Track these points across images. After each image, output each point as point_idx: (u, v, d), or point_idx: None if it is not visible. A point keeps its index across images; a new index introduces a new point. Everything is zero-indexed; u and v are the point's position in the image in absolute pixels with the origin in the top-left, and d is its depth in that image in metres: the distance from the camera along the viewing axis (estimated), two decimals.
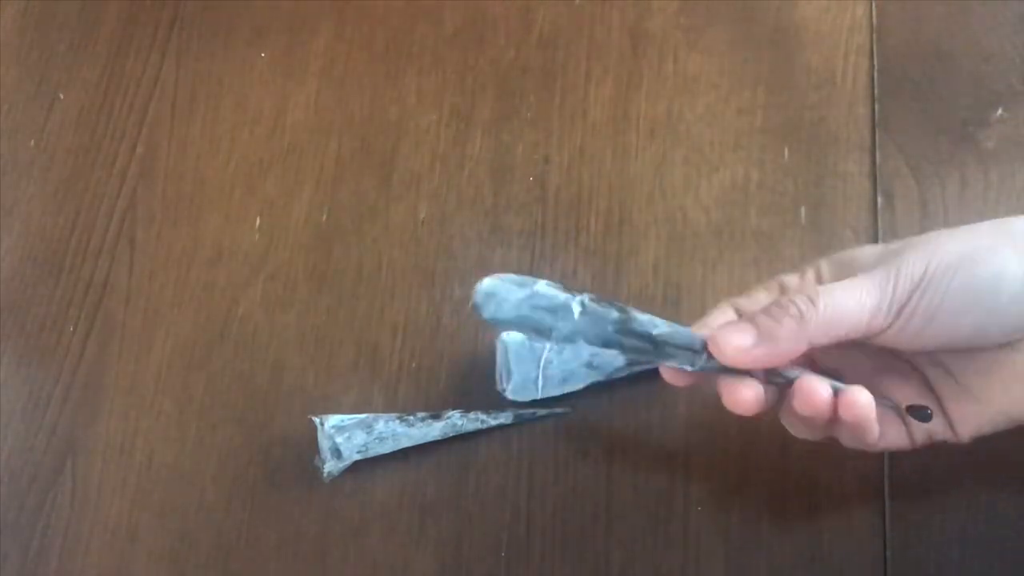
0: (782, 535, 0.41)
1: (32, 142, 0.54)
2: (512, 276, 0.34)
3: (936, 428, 0.35)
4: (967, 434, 0.35)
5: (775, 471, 0.42)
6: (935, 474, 0.41)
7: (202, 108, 0.54)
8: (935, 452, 0.39)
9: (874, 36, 0.49)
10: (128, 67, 0.56)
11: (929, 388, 0.36)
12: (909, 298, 0.32)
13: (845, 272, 0.35)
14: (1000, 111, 0.47)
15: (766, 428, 0.43)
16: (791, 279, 0.37)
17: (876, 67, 0.49)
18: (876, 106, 0.48)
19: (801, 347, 0.33)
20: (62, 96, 0.55)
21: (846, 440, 0.36)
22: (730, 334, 0.34)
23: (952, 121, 0.47)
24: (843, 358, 0.37)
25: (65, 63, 0.56)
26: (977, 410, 0.35)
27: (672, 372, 0.36)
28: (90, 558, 0.45)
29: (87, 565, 0.45)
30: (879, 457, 0.41)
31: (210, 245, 0.51)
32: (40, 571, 0.46)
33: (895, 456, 0.41)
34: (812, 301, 0.33)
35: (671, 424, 0.44)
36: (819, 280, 0.36)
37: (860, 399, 0.33)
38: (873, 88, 0.48)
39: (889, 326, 0.33)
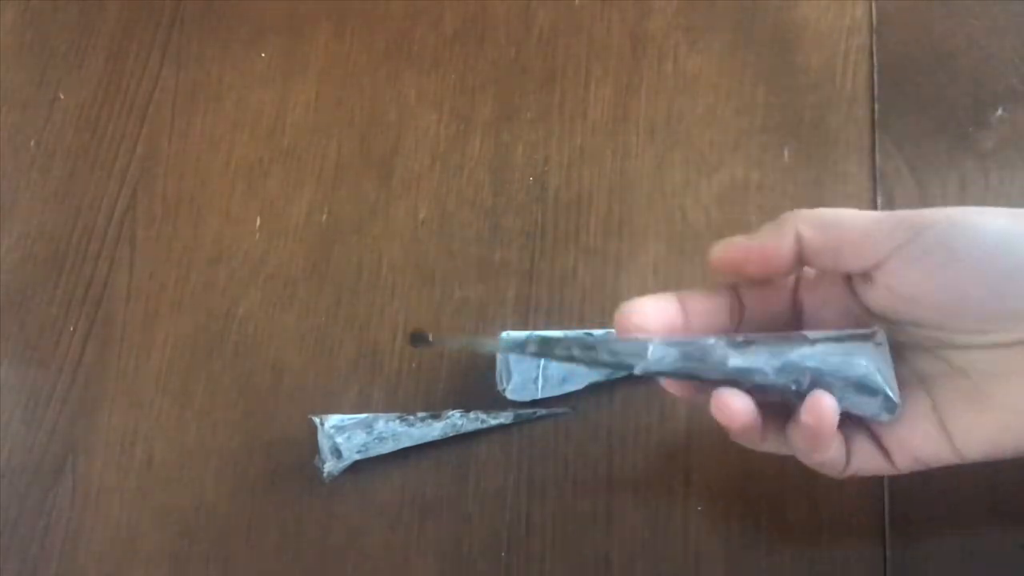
0: (782, 535, 0.41)
1: (32, 142, 0.54)
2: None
3: (932, 447, 0.34)
4: (972, 451, 0.33)
5: (775, 471, 0.42)
6: (935, 474, 0.41)
7: (202, 108, 0.54)
8: None
9: (874, 36, 0.49)
10: (128, 67, 0.56)
11: (928, 395, 0.34)
12: (923, 232, 0.31)
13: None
14: (1000, 111, 0.47)
15: None
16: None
17: (876, 67, 0.49)
18: (876, 106, 0.48)
19: (787, 242, 0.33)
20: (62, 96, 0.55)
21: (802, 455, 0.34)
22: (727, 245, 0.34)
23: (952, 121, 0.47)
24: None
25: (65, 63, 0.56)
26: (986, 419, 0.33)
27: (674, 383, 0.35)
28: (90, 558, 0.46)
29: (87, 565, 0.45)
30: None
31: (210, 245, 0.51)
32: (40, 571, 0.46)
33: None
34: (810, 211, 0.33)
35: (671, 424, 0.44)
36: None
37: (824, 402, 0.32)
38: (873, 88, 0.48)
39: (897, 250, 0.31)
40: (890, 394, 0.33)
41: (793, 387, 0.33)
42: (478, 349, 0.35)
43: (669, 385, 0.35)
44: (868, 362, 0.33)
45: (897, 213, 0.32)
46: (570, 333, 0.44)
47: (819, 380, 0.33)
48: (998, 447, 0.33)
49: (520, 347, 0.34)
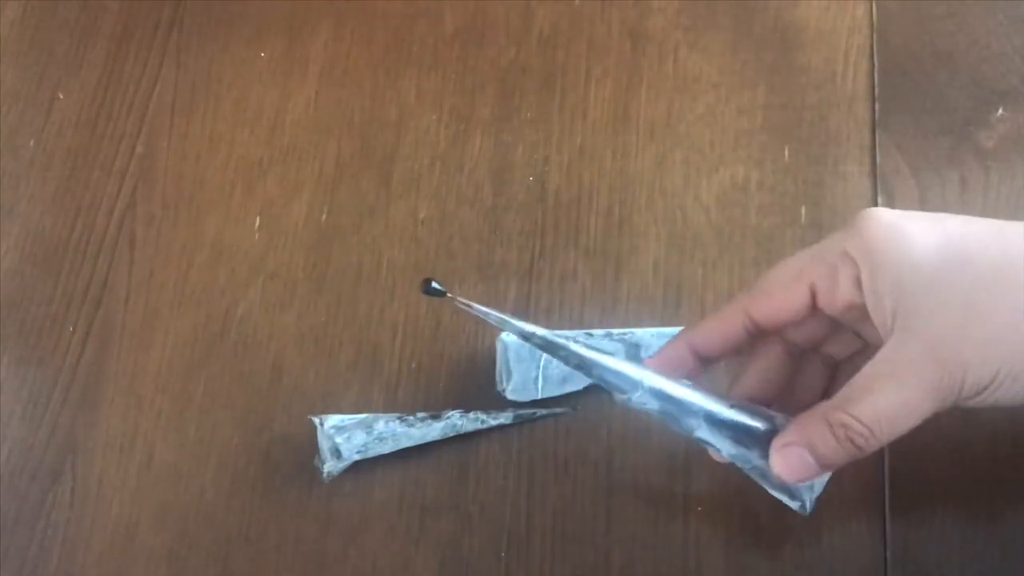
0: (782, 535, 0.41)
1: (32, 142, 0.54)
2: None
3: None
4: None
5: None
6: (935, 475, 0.41)
7: (202, 108, 0.54)
8: (935, 452, 0.39)
9: (874, 36, 0.49)
10: (128, 67, 0.56)
11: None
12: (975, 396, 0.31)
13: (884, 295, 0.32)
14: (1000, 111, 0.47)
15: None
16: (820, 276, 0.34)
17: (876, 67, 0.49)
18: (876, 106, 0.48)
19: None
20: (62, 96, 0.55)
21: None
22: (791, 462, 0.33)
23: (952, 121, 0.47)
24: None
25: (65, 63, 0.56)
26: None
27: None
28: (90, 558, 0.45)
29: (87, 565, 0.45)
30: (879, 458, 0.41)
31: (210, 245, 0.51)
32: (40, 571, 0.46)
33: (895, 457, 0.41)
34: (872, 432, 0.31)
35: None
36: (856, 284, 0.33)
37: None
38: (873, 88, 0.48)
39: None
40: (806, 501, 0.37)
41: (745, 465, 0.36)
42: (487, 320, 0.35)
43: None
44: None
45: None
46: (570, 333, 0.44)
47: (766, 471, 0.36)
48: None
49: (526, 337, 0.36)
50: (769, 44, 0.50)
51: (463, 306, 0.35)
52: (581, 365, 0.36)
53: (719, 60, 0.50)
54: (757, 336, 0.36)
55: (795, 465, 0.33)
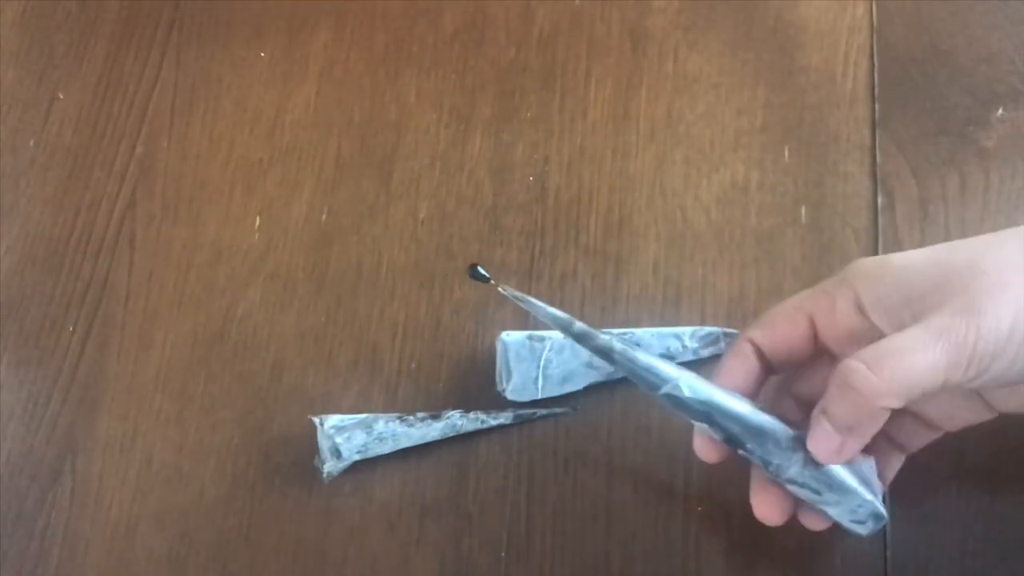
0: (782, 535, 0.41)
1: (32, 142, 0.54)
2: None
3: (976, 415, 0.36)
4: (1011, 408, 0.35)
5: None
6: (935, 474, 0.41)
7: (202, 108, 0.54)
8: (935, 453, 0.39)
9: (874, 36, 0.49)
10: (128, 67, 0.56)
11: None
12: (996, 357, 0.30)
13: (888, 297, 0.33)
14: (1000, 111, 0.47)
15: None
16: (818, 306, 0.35)
17: (876, 67, 0.49)
18: (876, 106, 0.48)
19: (882, 420, 0.32)
20: (62, 96, 0.55)
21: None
22: (821, 443, 0.33)
23: (952, 121, 0.47)
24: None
25: (65, 63, 0.56)
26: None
27: (704, 444, 0.37)
28: (90, 558, 0.45)
29: (87, 565, 0.45)
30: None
31: (210, 245, 0.51)
32: (40, 571, 0.46)
33: None
34: (869, 366, 0.31)
35: (671, 424, 0.44)
36: (860, 310, 0.34)
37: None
38: (873, 88, 0.48)
39: (974, 379, 0.31)
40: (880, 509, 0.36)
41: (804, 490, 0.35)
42: (527, 308, 0.37)
43: (701, 449, 0.38)
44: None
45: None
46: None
47: (825, 479, 0.35)
48: None
49: (565, 327, 0.36)
50: (769, 44, 0.50)
51: (505, 293, 0.37)
52: (620, 360, 0.36)
53: (719, 60, 0.50)
54: (771, 372, 0.37)
55: (820, 437, 0.33)
